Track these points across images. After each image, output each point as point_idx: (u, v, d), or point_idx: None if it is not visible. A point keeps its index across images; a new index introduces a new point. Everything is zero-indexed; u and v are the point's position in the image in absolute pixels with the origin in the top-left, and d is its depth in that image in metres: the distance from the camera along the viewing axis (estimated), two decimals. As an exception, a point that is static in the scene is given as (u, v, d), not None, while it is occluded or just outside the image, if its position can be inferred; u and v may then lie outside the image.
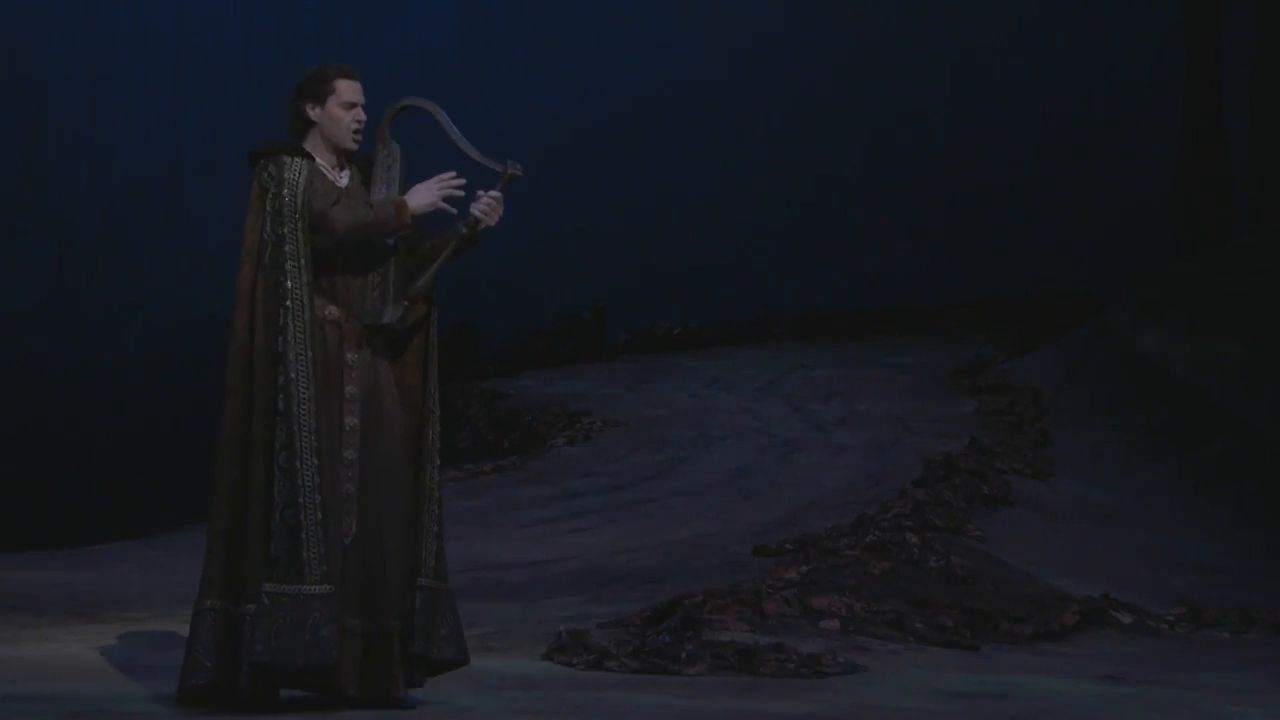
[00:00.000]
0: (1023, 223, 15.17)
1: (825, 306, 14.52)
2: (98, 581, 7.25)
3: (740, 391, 12.03)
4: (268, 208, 4.67)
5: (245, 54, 15.21)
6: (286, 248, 4.64)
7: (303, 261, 4.64)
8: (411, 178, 4.86)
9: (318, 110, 4.77)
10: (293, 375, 4.60)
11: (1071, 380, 11.44)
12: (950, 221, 15.21)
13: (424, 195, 4.78)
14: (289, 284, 4.63)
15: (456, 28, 15.70)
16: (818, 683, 5.57)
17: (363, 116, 4.79)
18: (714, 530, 8.34)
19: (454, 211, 4.81)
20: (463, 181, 4.81)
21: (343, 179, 4.81)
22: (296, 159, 4.73)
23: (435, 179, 4.79)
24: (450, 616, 4.79)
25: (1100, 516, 8.95)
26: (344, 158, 4.82)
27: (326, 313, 4.71)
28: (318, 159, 4.78)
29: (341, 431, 4.67)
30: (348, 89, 4.79)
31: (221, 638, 4.61)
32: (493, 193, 4.82)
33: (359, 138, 4.81)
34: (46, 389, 14.45)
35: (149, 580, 7.27)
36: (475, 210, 4.82)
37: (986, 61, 15.46)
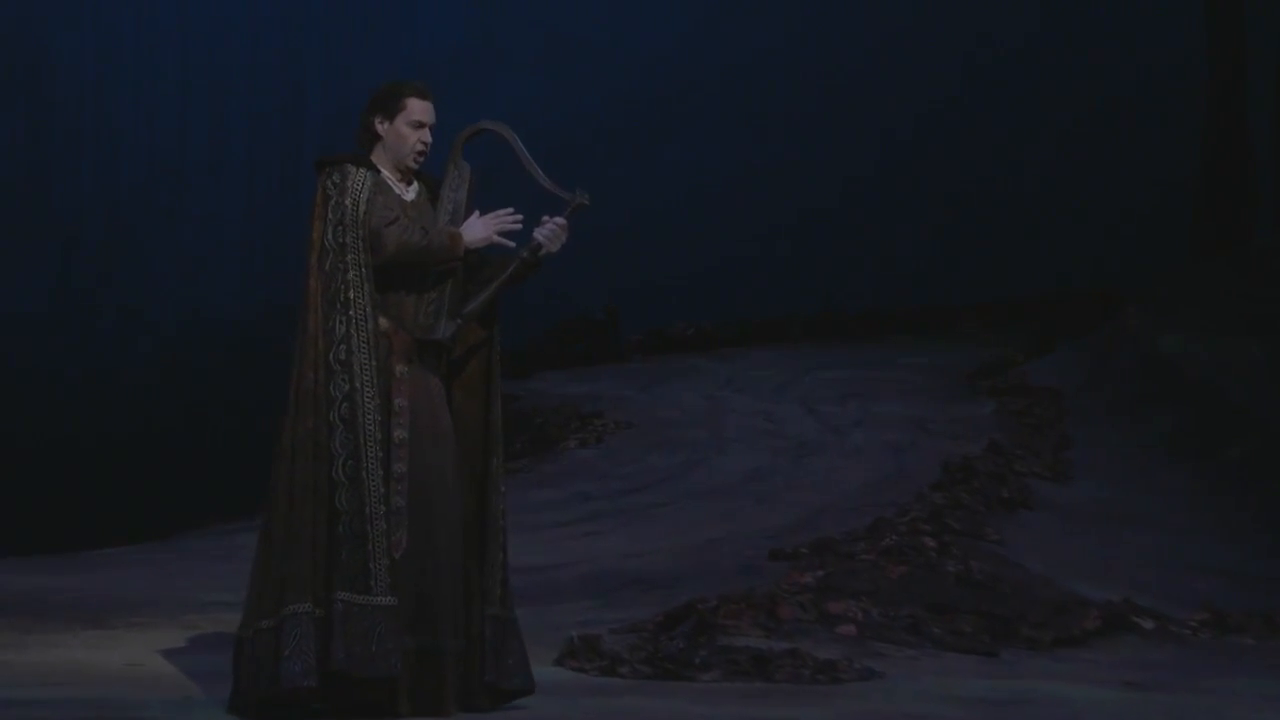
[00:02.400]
0: (1042, 221, 15.15)
1: (841, 307, 14.51)
2: (105, 586, 7.26)
3: (755, 393, 12.02)
4: (330, 215, 4.70)
5: (252, 52, 15.23)
6: (348, 257, 4.68)
7: (365, 271, 4.68)
8: (479, 201, 4.90)
9: (385, 125, 4.82)
10: (357, 384, 4.62)
11: (1091, 381, 11.42)
12: (968, 220, 15.19)
13: (479, 229, 4.82)
14: (351, 294, 4.66)
15: (465, 25, 15.71)
16: (834, 689, 5.56)
17: (429, 138, 4.84)
18: (728, 534, 8.33)
19: (511, 245, 4.85)
20: (520, 218, 4.86)
21: (409, 193, 4.85)
22: (362, 169, 4.77)
23: (493, 214, 4.84)
24: (518, 645, 4.83)
25: (1121, 519, 8.93)
26: (409, 174, 4.86)
27: (379, 325, 4.73)
28: (384, 172, 4.82)
29: (390, 444, 4.68)
30: (419, 108, 4.83)
31: (312, 640, 4.56)
32: (558, 219, 4.88)
33: (421, 159, 4.85)
34: (52, 392, 14.47)
35: (157, 585, 7.28)
36: (539, 235, 4.87)
37: (1005, 58, 15.44)
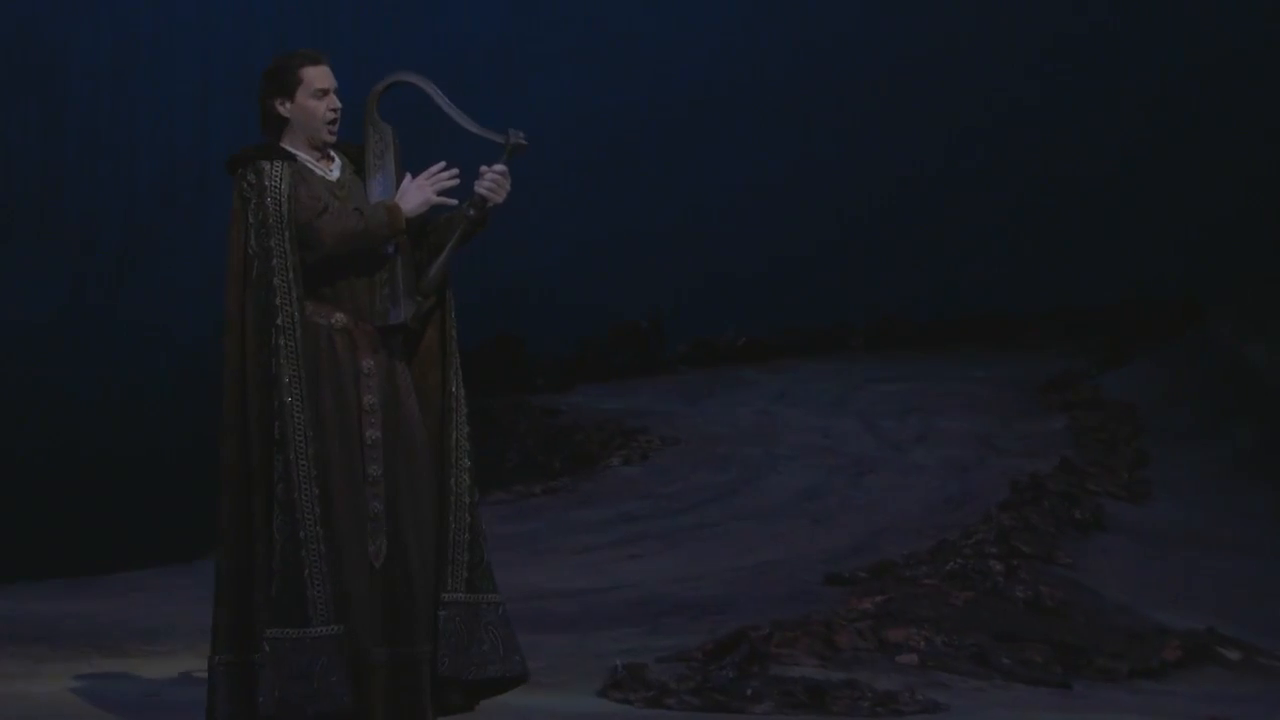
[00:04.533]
0: (1117, 223, 15.08)
1: (901, 315, 14.48)
2: (120, 612, 7.31)
3: (809, 407, 12.01)
4: (250, 220, 4.62)
5: (276, 48, 15.29)
6: (274, 261, 4.59)
7: (291, 275, 4.60)
8: (407, 159, 4.81)
9: (288, 105, 4.72)
10: (287, 399, 4.56)
11: (1170, 395, 11.37)
12: (1037, 222, 15.14)
13: (416, 195, 4.72)
14: (278, 300, 4.58)
15: (500, 19, 15.76)
16: (895, 722, 5.55)
17: (337, 104, 4.74)
18: (781, 557, 8.33)
19: (453, 203, 4.75)
20: (455, 171, 4.75)
21: (333, 171, 4.76)
22: (276, 163, 4.67)
23: (425, 174, 4.74)
24: (494, 631, 4.71)
25: (1203, 543, 8.88)
26: (327, 150, 4.77)
27: (334, 320, 4.68)
28: (300, 156, 4.73)
29: (363, 446, 4.64)
30: (317, 75, 4.73)
31: (235, 691, 4.57)
32: (497, 166, 4.75)
33: (335, 129, 4.74)
34: (64, 407, 14.56)
35: (174, 610, 7.32)
36: (480, 188, 4.75)
37: (1077, 52, 15.39)
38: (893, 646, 6.28)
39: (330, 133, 4.74)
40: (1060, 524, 8.50)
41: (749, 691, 5.70)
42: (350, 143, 4.83)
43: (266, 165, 4.67)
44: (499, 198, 4.76)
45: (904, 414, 11.68)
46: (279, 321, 4.59)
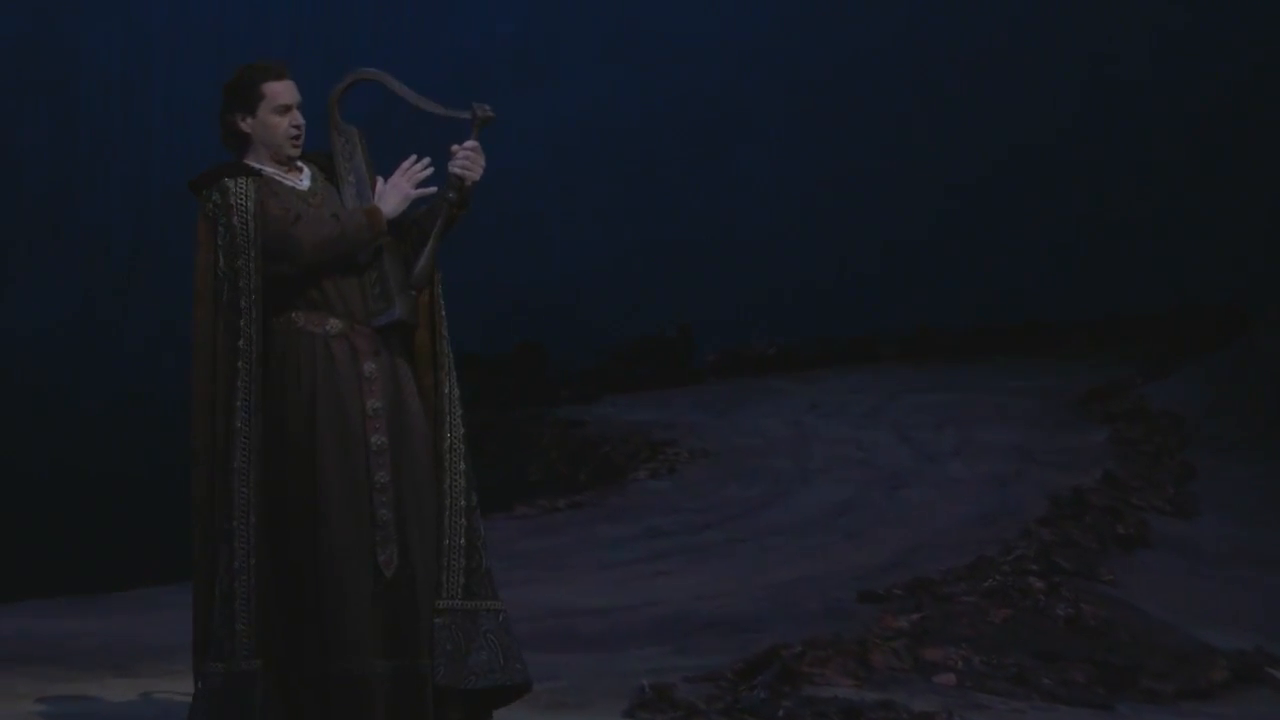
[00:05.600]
0: (1162, 230, 15.04)
1: (938, 323, 14.45)
2: (133, 630, 7.33)
3: (843, 418, 12.00)
4: (219, 241, 4.64)
5: (292, 49, 15.37)
6: (240, 282, 4.62)
7: (254, 297, 4.62)
8: (376, 158, 4.81)
9: (249, 120, 4.73)
10: (237, 425, 4.58)
11: (1217, 406, 11.33)
12: (1079, 228, 15.10)
13: (394, 195, 4.73)
14: (241, 322, 4.60)
15: (522, 20, 15.78)
16: (932, 744, 5.54)
17: (300, 120, 4.75)
18: (814, 573, 8.32)
19: (432, 191, 4.76)
20: (428, 161, 4.76)
21: (302, 181, 4.78)
22: (240, 179, 4.68)
23: (399, 171, 4.75)
24: (493, 639, 4.69)
25: (1251, 559, 8.85)
26: (292, 162, 4.78)
27: (329, 327, 4.69)
28: (266, 170, 4.74)
29: (369, 452, 4.64)
30: (279, 91, 4.74)
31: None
32: (468, 143, 4.75)
33: (299, 144, 4.76)
34: (73, 419, 14.61)
35: (190, 629, 7.33)
36: (455, 168, 4.74)
37: (1124, 59, 15.36)
38: (929, 666, 6.27)
39: (294, 148, 4.76)
40: (1103, 540, 8.48)
41: (781, 713, 5.70)
42: (317, 152, 4.84)
43: (231, 184, 4.67)
44: (475, 174, 4.76)
45: (940, 426, 11.66)
46: (240, 344, 4.61)
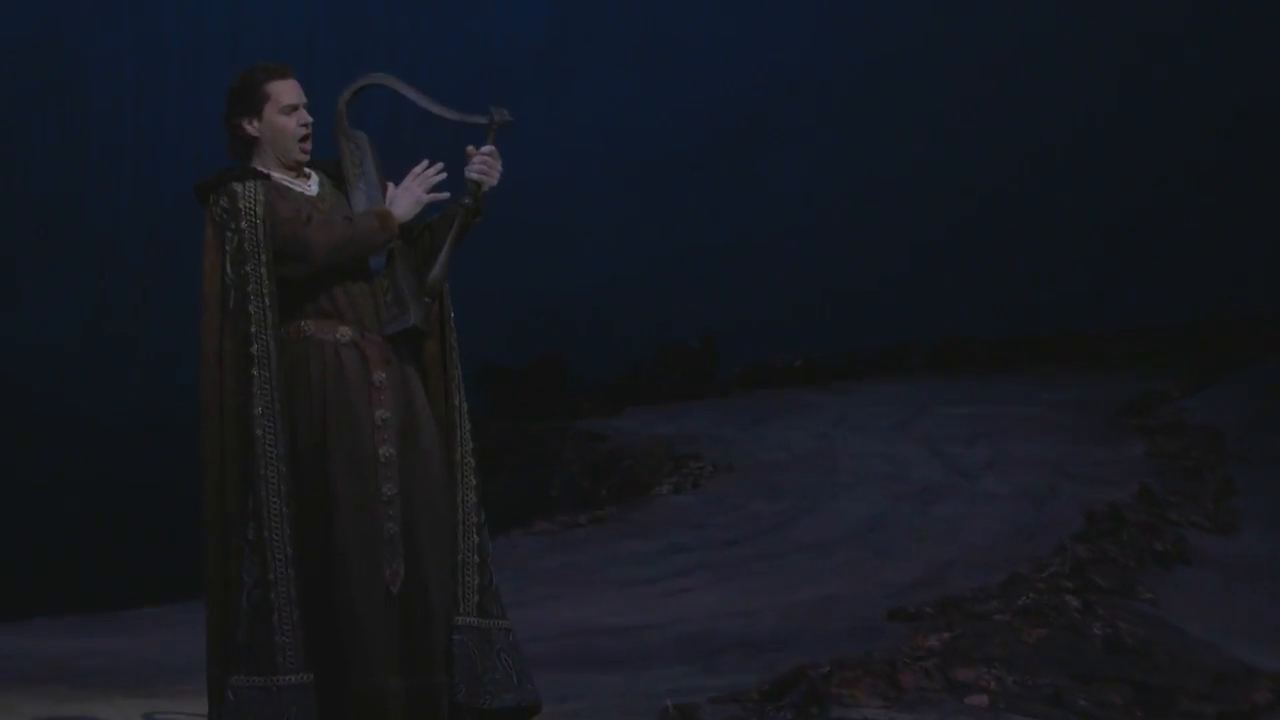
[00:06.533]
0: (1200, 237, 15.00)
1: (969, 333, 14.43)
2: (145, 649, 7.35)
3: (871, 432, 11.98)
4: (226, 246, 4.63)
5: (307, 54, 15.42)
6: (249, 288, 4.61)
7: (267, 302, 4.61)
8: (387, 165, 4.80)
9: (256, 123, 4.73)
10: (258, 433, 4.57)
11: (1259, 419, 11.30)
12: (1116, 235, 15.07)
13: (406, 199, 4.73)
14: (253, 329, 4.59)
15: (542, 22, 15.81)
16: (964, 767, 5.53)
17: (308, 118, 4.75)
18: (842, 591, 8.31)
19: (445, 196, 4.76)
20: (441, 166, 4.76)
21: (310, 187, 4.78)
22: (249, 183, 4.67)
23: (411, 175, 4.75)
24: (506, 658, 4.70)
25: (1294, 577, 8.82)
26: (301, 168, 4.78)
27: (339, 335, 4.68)
28: (275, 175, 4.74)
29: (376, 464, 4.64)
30: (284, 90, 4.73)
31: None
32: (485, 147, 4.75)
33: (308, 145, 4.76)
34: (84, 433, 14.65)
35: (203, 647, 7.34)
36: (471, 173, 4.74)
37: (1158, 56, 15.33)
38: (961, 687, 6.25)
39: (303, 150, 4.75)
40: (1140, 557, 8.45)
41: (808, 734, 5.68)
42: (325, 159, 4.83)
43: (239, 187, 4.66)
44: (492, 179, 4.76)
45: (972, 439, 11.64)
46: (253, 351, 4.60)
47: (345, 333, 4.69)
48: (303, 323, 4.69)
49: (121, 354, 15.16)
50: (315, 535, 4.63)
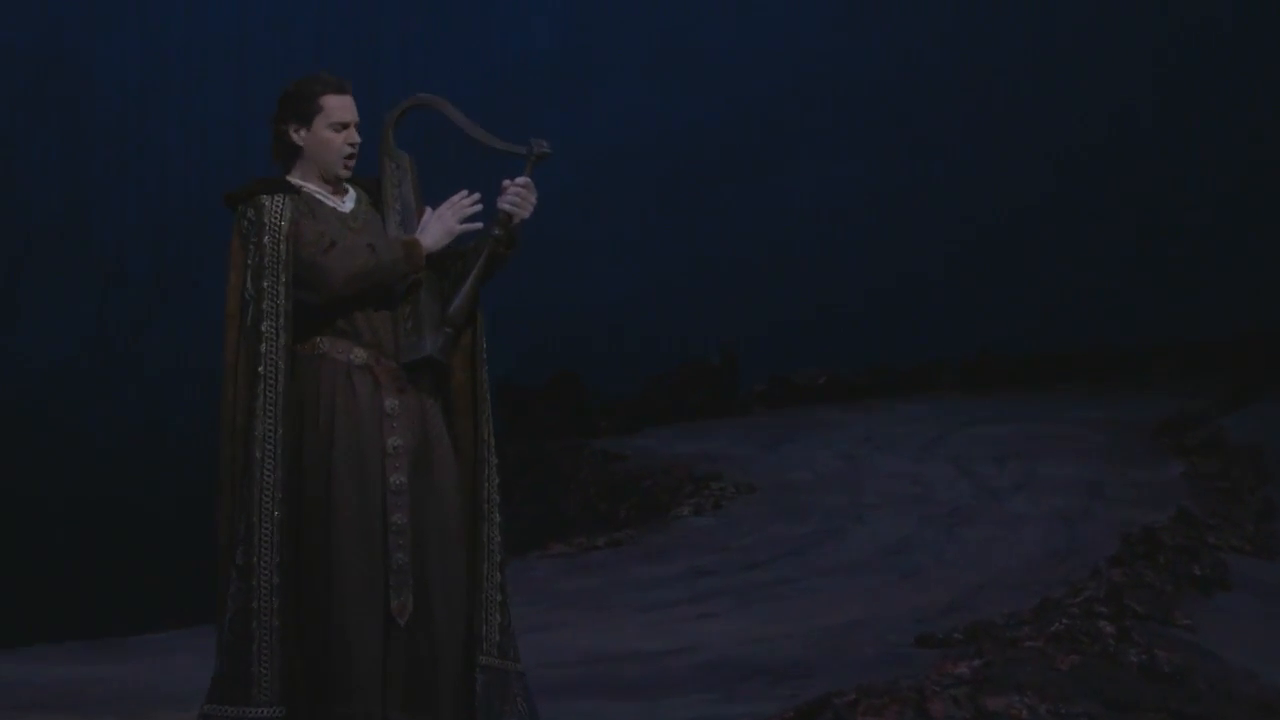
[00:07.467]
0: (1238, 251, 14.97)
1: (1000, 350, 14.41)
2: (149, 676, 7.34)
3: (898, 451, 11.97)
4: (249, 261, 4.65)
5: (316, 63, 15.44)
6: (264, 304, 4.62)
7: (281, 320, 4.62)
8: (426, 189, 4.84)
9: (303, 133, 4.74)
10: (257, 455, 4.57)
11: (1300, 438, 11.29)
12: (1151, 249, 15.05)
13: (438, 228, 4.74)
14: (263, 347, 4.60)
15: (559, 30, 15.84)
16: (995, 800, 5.51)
17: (356, 138, 4.76)
18: (868, 616, 8.29)
19: (478, 226, 4.77)
20: (478, 197, 4.77)
21: (345, 204, 4.79)
22: (277, 197, 4.69)
23: (447, 204, 4.76)
24: (521, 703, 4.70)
25: (1337, 602, 8.79)
26: (340, 184, 4.80)
27: (353, 357, 4.69)
28: (309, 187, 4.76)
29: (386, 492, 4.63)
30: (338, 106, 4.74)
31: None
32: (520, 179, 4.76)
33: (351, 164, 4.77)
34: (87, 452, 14.68)
35: (209, 675, 7.34)
36: (504, 204, 4.75)
37: (1193, 62, 15.32)
38: (992, 716, 6.24)
39: (346, 168, 4.77)
40: (1178, 581, 8.42)
41: (834, 765, 5.67)
42: (366, 177, 4.85)
43: (267, 201, 4.68)
44: (525, 212, 4.77)
45: (1003, 459, 11.62)
46: (261, 370, 4.61)
47: (360, 355, 4.70)
48: (319, 339, 4.70)
49: (124, 373, 15.19)
50: (317, 563, 4.63)
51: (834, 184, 15.38)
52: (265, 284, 4.63)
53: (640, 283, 14.55)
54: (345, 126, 4.74)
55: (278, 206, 4.68)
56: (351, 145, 4.75)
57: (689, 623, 8.35)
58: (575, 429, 13.12)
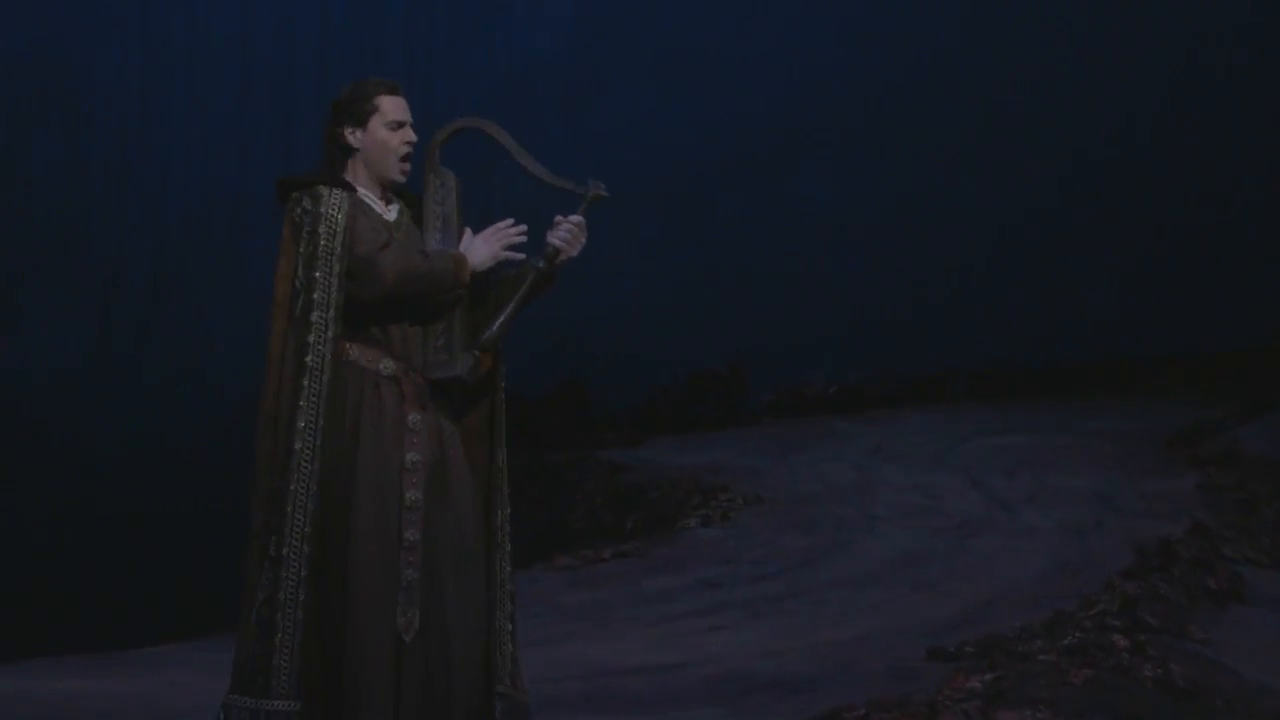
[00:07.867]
0: (1254, 260, 14.96)
1: (1011, 360, 14.41)
2: (154, 692, 7.35)
3: (908, 462, 11.97)
4: (301, 250, 4.67)
5: (321, 68, 15.48)
6: (315, 295, 4.64)
7: (332, 313, 4.64)
8: (469, 212, 4.87)
9: (359, 134, 4.78)
10: (297, 446, 4.59)
11: (1316, 449, 11.27)
12: (1166, 258, 15.04)
13: (483, 248, 4.78)
14: (311, 338, 4.62)
15: (565, 35, 15.85)
16: (1008, 816, 5.50)
17: (412, 137, 4.81)
18: (878, 629, 8.29)
19: (520, 257, 4.82)
20: (524, 228, 4.81)
21: (390, 212, 4.83)
22: (336, 190, 4.73)
23: (493, 229, 4.80)
24: None
25: (1355, 615, 8.77)
26: (389, 189, 4.84)
27: (381, 366, 4.71)
28: (360, 190, 4.79)
29: (401, 508, 4.65)
30: (393, 106, 4.79)
31: None
32: (574, 217, 4.81)
33: (407, 166, 4.81)
34: (89, 464, 14.69)
35: (212, 689, 7.33)
36: (554, 239, 4.79)
37: (1207, 69, 15.32)
38: (1004, 730, 6.23)
39: (402, 170, 4.81)
40: (1193, 594, 8.41)
41: (843, 780, 5.66)
42: (409, 191, 4.88)
43: (325, 192, 4.72)
44: (573, 250, 4.82)
45: (1014, 470, 11.62)
46: (308, 360, 4.63)
47: (389, 365, 4.73)
48: (349, 345, 4.72)
49: (125, 381, 15.20)
50: (335, 562, 4.64)
51: (844, 194, 15.39)
52: (318, 274, 4.65)
53: (647, 291, 14.56)
54: (401, 125, 4.79)
55: (336, 199, 4.71)
56: (407, 144, 4.80)
57: (697, 636, 8.35)
58: (581, 439, 13.13)
